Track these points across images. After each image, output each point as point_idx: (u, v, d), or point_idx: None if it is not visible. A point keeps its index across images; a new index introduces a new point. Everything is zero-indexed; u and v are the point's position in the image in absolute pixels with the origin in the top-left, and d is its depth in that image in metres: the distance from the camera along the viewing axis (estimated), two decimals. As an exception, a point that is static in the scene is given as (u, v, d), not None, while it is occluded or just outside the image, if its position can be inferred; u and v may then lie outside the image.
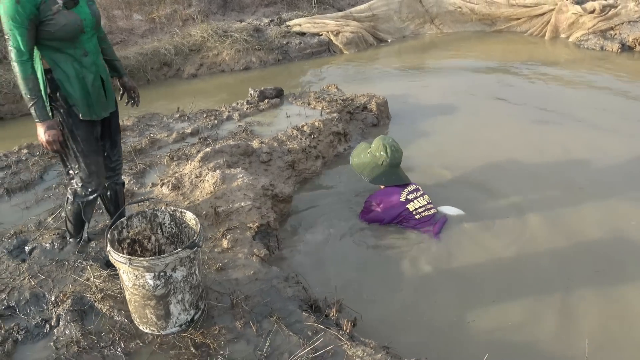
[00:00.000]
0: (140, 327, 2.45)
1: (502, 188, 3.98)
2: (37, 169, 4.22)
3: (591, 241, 3.36)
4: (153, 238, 2.64)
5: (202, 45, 7.78)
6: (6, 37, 2.40)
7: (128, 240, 2.55)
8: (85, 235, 3.04)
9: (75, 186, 2.77)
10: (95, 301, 2.62)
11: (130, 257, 2.21)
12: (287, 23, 8.48)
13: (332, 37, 8.12)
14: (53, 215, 3.47)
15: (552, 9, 8.10)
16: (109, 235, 2.37)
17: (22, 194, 3.90)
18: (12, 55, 2.40)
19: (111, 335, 2.43)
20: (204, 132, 4.74)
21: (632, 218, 3.56)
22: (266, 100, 5.33)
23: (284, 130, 4.56)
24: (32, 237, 3.23)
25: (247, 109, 5.20)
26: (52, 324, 2.52)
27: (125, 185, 3.69)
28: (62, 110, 2.57)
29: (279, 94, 5.47)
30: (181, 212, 2.56)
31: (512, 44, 8.27)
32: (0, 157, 4.54)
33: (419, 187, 3.79)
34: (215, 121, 4.97)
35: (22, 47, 2.37)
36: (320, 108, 5.06)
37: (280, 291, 2.71)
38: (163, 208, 2.60)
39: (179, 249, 2.25)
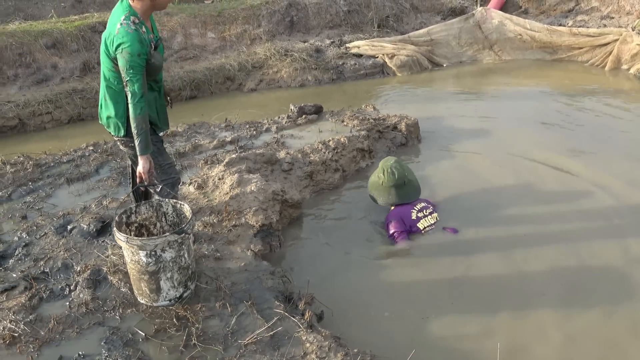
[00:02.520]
0: (138, 298, 2.91)
1: (510, 212, 4.10)
2: (95, 164, 4.90)
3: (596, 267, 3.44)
4: (158, 225, 3.11)
5: (264, 63, 8.39)
6: (124, 80, 2.76)
7: (136, 224, 3.03)
8: None
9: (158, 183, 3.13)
10: (109, 274, 3.12)
11: (127, 236, 2.68)
12: (347, 45, 8.90)
13: (386, 60, 8.44)
14: (95, 201, 4.08)
15: (616, 39, 7.90)
16: (117, 218, 2.86)
17: (79, 184, 4.56)
18: (130, 99, 2.77)
19: (114, 302, 2.91)
20: (242, 141, 5.23)
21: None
22: (304, 116, 5.74)
23: (312, 143, 4.93)
24: (75, 218, 3.84)
25: (285, 123, 5.65)
26: (71, 288, 3.05)
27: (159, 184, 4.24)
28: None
29: (317, 110, 5.86)
30: (180, 204, 3.01)
31: (571, 72, 8.15)
32: (69, 152, 5.29)
33: (429, 204, 4.04)
34: (254, 132, 5.46)
35: (138, 90, 2.76)
36: (351, 125, 5.40)
37: (262, 282, 3.07)
38: (167, 200, 3.06)
39: (167, 234, 2.68)
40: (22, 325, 2.73)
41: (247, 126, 5.70)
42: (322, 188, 4.60)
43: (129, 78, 2.73)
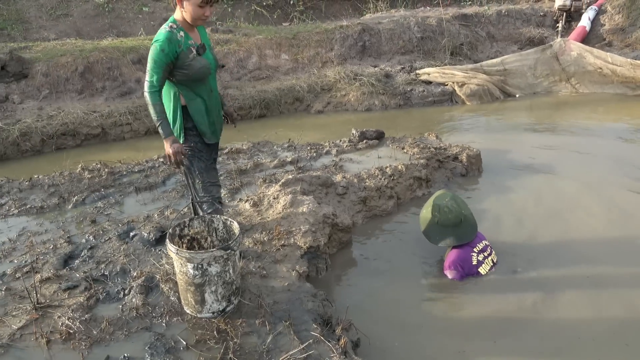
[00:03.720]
0: (184, 308, 3.05)
1: (570, 252, 3.92)
2: (162, 175, 5.19)
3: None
4: (209, 239, 3.25)
5: (333, 86, 8.56)
6: (147, 72, 3.02)
7: (188, 237, 3.19)
8: None
9: (198, 198, 3.36)
10: (161, 281, 3.30)
11: (177, 248, 2.84)
12: (417, 71, 8.91)
13: (456, 88, 8.36)
14: (158, 211, 4.32)
15: None
16: (170, 230, 3.03)
17: (146, 193, 4.85)
18: (146, 87, 3.01)
19: (162, 309, 3.07)
20: (302, 162, 5.36)
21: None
22: (365, 141, 5.80)
23: (369, 169, 4.97)
24: (138, 226, 4.09)
25: (346, 147, 5.73)
26: (126, 292, 3.25)
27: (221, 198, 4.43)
28: (193, 136, 3.23)
29: (379, 136, 5.91)
30: (230, 221, 3.14)
31: (655, 110, 7.70)
32: (141, 162, 5.64)
33: (488, 243, 3.84)
34: (315, 154, 5.58)
35: (155, 83, 2.99)
36: (411, 153, 5.39)
37: (303, 303, 3.13)
38: (219, 216, 3.21)
39: (214, 249, 2.81)
40: (77, 323, 2.94)
41: (309, 148, 5.83)
42: (375, 214, 4.61)
43: (149, 69, 2.98)
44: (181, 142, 3.19)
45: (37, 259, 3.68)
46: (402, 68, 9.13)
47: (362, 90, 8.30)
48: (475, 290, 3.56)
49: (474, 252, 3.72)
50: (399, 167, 4.92)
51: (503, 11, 10.83)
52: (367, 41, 9.74)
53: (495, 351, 3.02)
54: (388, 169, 4.91)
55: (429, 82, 8.65)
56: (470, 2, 12.06)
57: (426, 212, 3.93)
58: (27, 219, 4.40)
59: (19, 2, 11.73)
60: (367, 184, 4.66)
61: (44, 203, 4.66)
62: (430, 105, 8.39)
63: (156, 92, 3.01)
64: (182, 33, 3.02)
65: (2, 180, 5.36)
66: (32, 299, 3.12)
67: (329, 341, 2.79)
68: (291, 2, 12.12)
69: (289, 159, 5.41)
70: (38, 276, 3.43)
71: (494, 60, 8.87)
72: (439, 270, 3.82)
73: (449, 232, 3.76)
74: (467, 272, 3.66)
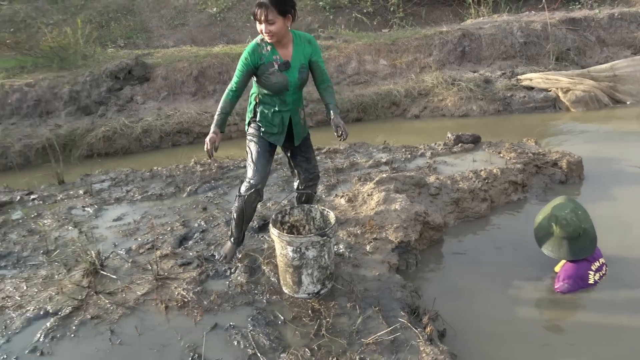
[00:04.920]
0: (283, 288, 3.34)
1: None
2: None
3: None
4: (307, 227, 3.53)
5: (430, 91, 8.62)
6: None
7: (288, 224, 3.49)
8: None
9: (243, 182, 3.54)
10: (263, 264, 3.63)
11: (279, 232, 3.14)
12: (518, 77, 8.71)
13: (560, 94, 8.07)
14: (261, 203, 4.69)
15: None
16: (273, 216, 3.35)
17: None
18: (230, 85, 3.37)
19: (263, 288, 3.39)
20: (396, 163, 5.53)
21: None
22: (460, 145, 5.84)
23: (463, 171, 5.03)
24: (243, 215, 4.47)
25: (440, 150, 5.81)
26: (232, 271, 3.61)
27: (317, 193, 4.73)
28: (255, 127, 3.54)
29: (475, 140, 5.92)
30: (327, 211, 3.39)
31: None
32: (236, 160, 6.09)
33: (604, 262, 3.66)
34: (409, 155, 5.72)
35: (233, 85, 3.33)
36: (508, 157, 5.36)
37: (392, 292, 3.30)
38: (317, 206, 3.48)
39: (311, 235, 3.08)
40: (191, 294, 3.33)
41: (403, 150, 5.98)
42: (468, 216, 4.66)
43: (235, 71, 3.35)
44: (246, 129, 3.59)
45: (157, 238, 4.18)
46: (503, 73, 8.97)
47: (460, 95, 8.28)
48: (572, 296, 3.52)
49: (592, 270, 3.54)
50: (494, 170, 4.93)
51: (616, 14, 10.26)
52: (466, 46, 9.68)
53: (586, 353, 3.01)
54: (483, 172, 4.93)
55: (530, 88, 8.43)
56: (579, 6, 11.53)
57: (542, 219, 3.73)
58: (149, 204, 4.96)
59: (143, 14, 12.95)
60: (460, 185, 4.73)
61: (163, 191, 5.23)
62: (531, 112, 8.18)
63: (230, 92, 3.34)
64: (269, 47, 3.26)
65: (128, 171, 6.05)
66: (153, 271, 3.58)
67: (415, 328, 2.94)
68: (391, 9, 12.29)
69: (383, 160, 5.59)
70: (158, 253, 3.90)
71: (603, 66, 8.45)
72: (530, 273, 3.81)
73: (564, 244, 3.56)
74: (580, 288, 3.52)
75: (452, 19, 12.00)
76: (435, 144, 6.07)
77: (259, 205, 4.60)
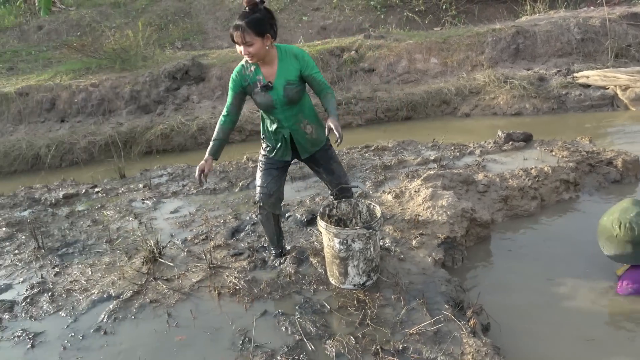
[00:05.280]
0: (329, 279, 3.46)
1: None
2: (314, 167, 5.72)
3: None
4: (354, 220, 3.63)
5: (481, 89, 8.52)
6: None
7: (335, 217, 3.60)
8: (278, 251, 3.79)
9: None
10: (310, 256, 3.75)
11: (327, 224, 3.25)
12: (574, 74, 8.47)
13: (619, 92, 7.79)
14: (310, 198, 4.83)
15: None
16: (321, 209, 3.47)
17: (300, 182, 5.42)
18: (223, 110, 3.39)
19: (310, 278, 3.51)
20: (445, 160, 5.53)
21: None
22: (511, 143, 5.78)
23: (513, 169, 4.99)
24: (292, 209, 4.62)
25: (490, 148, 5.77)
26: (281, 262, 3.75)
27: (364, 189, 4.83)
28: (263, 145, 3.58)
29: (526, 138, 5.83)
30: (374, 206, 3.48)
31: None
32: (296, 156, 6.25)
33: None
34: (458, 153, 5.71)
35: (226, 107, 3.36)
36: (560, 156, 5.27)
37: (437, 286, 3.35)
38: (363, 201, 3.57)
39: (357, 227, 3.18)
40: (242, 282, 3.50)
41: (452, 147, 5.97)
42: (516, 214, 4.63)
43: None
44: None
45: (211, 230, 4.38)
46: (558, 71, 8.74)
47: (513, 93, 8.15)
48: (625, 299, 3.46)
49: None
50: (545, 169, 4.86)
51: (683, 8, 9.80)
52: (520, 44, 9.49)
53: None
54: (533, 170, 4.88)
55: (587, 86, 8.18)
56: (643, 0, 11.07)
57: (606, 221, 3.58)
58: (203, 198, 5.20)
59: (200, 16, 13.40)
60: (509, 183, 4.70)
61: (216, 186, 5.45)
62: (587, 110, 7.94)
63: (223, 117, 3.35)
64: (252, 68, 3.21)
65: (184, 166, 6.34)
66: (207, 260, 3.77)
67: (459, 320, 2.99)
68: (443, 7, 12.20)
69: (432, 158, 5.61)
70: (212, 243, 4.10)
71: (667, 62, 8.11)
72: (577, 271, 3.75)
73: (628, 248, 3.41)
74: None
75: (507, 16, 11.78)
76: (485, 142, 6.03)
77: (307, 201, 4.76)
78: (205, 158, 3.29)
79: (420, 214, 4.14)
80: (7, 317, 3.44)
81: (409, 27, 11.69)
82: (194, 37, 12.75)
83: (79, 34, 12.94)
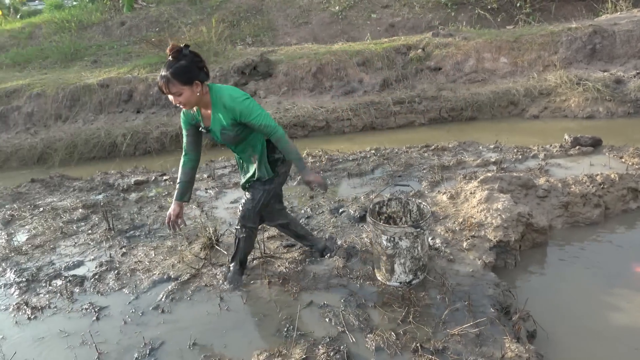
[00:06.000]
0: (376, 275, 3.51)
1: None
2: (372, 165, 5.78)
3: None
4: (403, 219, 3.66)
5: (552, 90, 8.21)
6: None
7: (385, 215, 3.65)
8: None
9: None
10: (360, 251, 3.82)
11: (375, 220, 3.31)
12: (656, 77, 7.99)
13: None
14: (364, 194, 4.89)
15: None
16: (371, 206, 3.53)
17: (356, 179, 5.49)
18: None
19: (358, 273, 3.58)
20: (506, 163, 5.42)
21: None
22: (578, 147, 5.56)
23: (577, 175, 4.82)
24: (346, 205, 4.71)
25: (555, 152, 5.58)
26: (330, 255, 3.85)
27: (420, 188, 4.83)
28: None
29: (594, 143, 5.59)
30: (424, 205, 3.50)
31: None
32: (355, 153, 6.33)
33: None
34: (520, 156, 5.57)
35: (184, 147, 3.31)
36: (630, 163, 5.03)
37: (484, 289, 3.33)
38: (414, 200, 3.59)
39: (405, 225, 3.21)
40: (292, 273, 3.63)
41: (515, 150, 5.83)
42: (577, 221, 4.47)
43: None
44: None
45: (266, 221, 4.55)
46: (638, 73, 8.26)
47: (585, 95, 7.79)
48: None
49: None
50: (612, 175, 4.66)
51: None
52: (597, 44, 9.03)
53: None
54: (598, 176, 4.68)
55: (669, 90, 7.70)
56: None
57: None
58: (262, 190, 5.38)
59: (271, 13, 13.71)
60: (571, 189, 4.54)
61: (275, 179, 5.62)
62: (668, 115, 7.48)
63: (183, 157, 3.32)
64: (195, 109, 3.14)
65: (246, 159, 6.56)
66: (260, 250, 3.93)
67: (503, 325, 2.96)
68: (517, 4, 11.79)
69: (492, 159, 5.51)
70: (266, 234, 4.25)
71: None
72: (636, 284, 3.60)
73: None
74: None
75: (585, 14, 11.23)
76: (551, 145, 5.84)
77: (362, 197, 4.82)
78: (173, 203, 3.27)
79: (474, 216, 4.10)
80: (77, 290, 3.76)
81: (480, 25, 11.41)
82: (264, 33, 13.08)
83: (157, 29, 13.61)
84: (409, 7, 12.93)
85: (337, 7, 13.26)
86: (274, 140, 3.16)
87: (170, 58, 2.90)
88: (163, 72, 2.88)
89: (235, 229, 3.51)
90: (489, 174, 4.67)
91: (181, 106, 3.00)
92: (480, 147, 6.09)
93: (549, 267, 3.95)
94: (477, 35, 10.02)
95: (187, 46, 2.97)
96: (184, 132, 3.27)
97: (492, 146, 6.07)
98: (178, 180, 3.33)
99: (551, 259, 4.04)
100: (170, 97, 2.95)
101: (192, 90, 2.93)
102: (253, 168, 3.36)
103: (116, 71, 10.60)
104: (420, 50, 9.71)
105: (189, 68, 2.89)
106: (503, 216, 4.02)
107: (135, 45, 12.82)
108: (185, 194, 3.33)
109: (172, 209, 3.28)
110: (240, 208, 3.43)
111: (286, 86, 9.49)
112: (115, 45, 13.10)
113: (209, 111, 3.13)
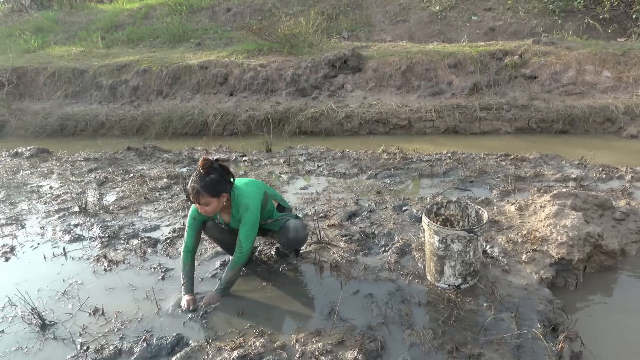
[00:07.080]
0: (426, 274, 3.54)
1: None
2: (445, 168, 5.73)
3: None
4: (461, 223, 3.65)
5: (657, 110, 7.63)
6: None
7: (443, 217, 3.65)
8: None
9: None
10: (414, 250, 3.86)
11: (429, 220, 3.34)
12: None
13: None
14: (431, 196, 4.89)
15: None
16: (428, 206, 3.55)
17: (427, 179, 5.50)
18: (182, 247, 3.46)
19: (408, 270, 3.63)
20: (587, 181, 5.16)
21: None
22: (672, 172, 5.18)
23: (664, 201, 4.51)
24: (410, 203, 4.73)
25: (645, 175, 5.24)
26: (386, 249, 3.92)
27: (489, 196, 4.76)
28: None
29: (692, 170, 5.18)
30: (482, 211, 3.47)
31: None
32: (431, 154, 6.30)
33: None
34: (604, 176, 5.28)
35: (187, 243, 3.43)
36: None
37: (534, 303, 3.25)
38: (473, 205, 3.57)
39: (458, 229, 3.22)
40: (344, 262, 3.74)
41: (600, 169, 5.53)
42: (656, 249, 4.20)
43: None
44: None
45: (330, 210, 4.69)
46: None
47: (695, 118, 7.18)
48: None
49: None
50: (703, 206, 4.32)
51: None
52: None
53: None
54: (688, 205, 4.36)
55: None
56: None
57: None
58: (332, 180, 5.54)
59: (370, 9, 13.78)
60: (654, 215, 4.27)
61: (347, 171, 5.76)
62: None
63: (184, 252, 3.43)
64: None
65: (323, 149, 6.75)
66: (318, 235, 4.08)
67: (547, 341, 2.90)
68: (633, 16, 10.99)
69: (573, 176, 5.27)
70: (327, 222, 4.40)
71: None
72: None
73: None
74: None
75: None
76: (641, 167, 5.48)
77: (428, 198, 4.82)
78: (186, 297, 3.33)
79: (539, 230, 3.99)
80: (150, 251, 4.12)
81: (588, 35, 10.77)
82: (360, 28, 13.18)
83: (259, 18, 14.16)
84: (512, 12, 12.45)
85: (437, 7, 13.06)
86: (235, 255, 3.35)
87: (201, 170, 3.14)
88: (194, 184, 3.11)
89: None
90: (564, 190, 4.49)
91: (205, 214, 3.25)
92: (563, 162, 5.83)
93: (612, 292, 3.76)
94: (581, 45, 9.50)
95: (217, 160, 3.21)
96: (191, 231, 3.46)
97: (575, 162, 5.79)
98: (184, 277, 3.41)
99: (617, 285, 3.83)
100: (200, 209, 3.20)
101: (219, 201, 3.19)
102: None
103: (216, 54, 11.20)
104: (516, 57, 9.38)
105: (218, 182, 3.15)
106: (570, 234, 3.87)
107: (237, 31, 13.43)
108: (193, 287, 3.44)
109: (186, 300, 3.33)
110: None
111: (374, 82, 9.55)
112: (219, 30, 13.80)
113: (229, 214, 3.45)
